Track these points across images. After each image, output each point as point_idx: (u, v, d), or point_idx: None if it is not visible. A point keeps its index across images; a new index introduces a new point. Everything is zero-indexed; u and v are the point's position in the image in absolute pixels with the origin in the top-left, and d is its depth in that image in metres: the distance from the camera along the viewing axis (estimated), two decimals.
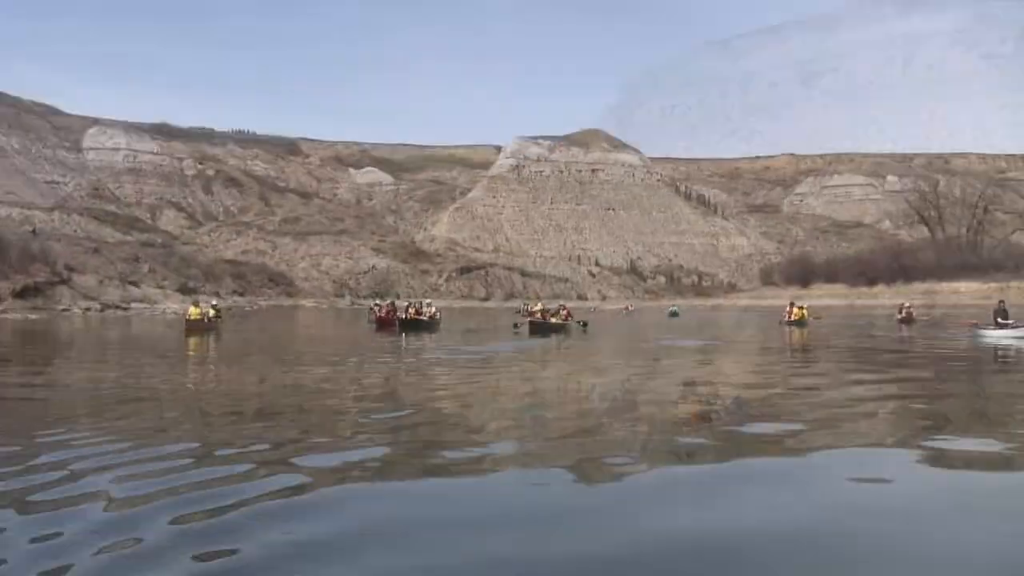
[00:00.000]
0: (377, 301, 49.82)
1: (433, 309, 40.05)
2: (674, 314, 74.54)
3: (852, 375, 15.24)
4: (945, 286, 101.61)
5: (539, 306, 38.48)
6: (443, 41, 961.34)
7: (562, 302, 49.28)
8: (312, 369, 15.93)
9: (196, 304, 36.62)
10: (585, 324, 39.20)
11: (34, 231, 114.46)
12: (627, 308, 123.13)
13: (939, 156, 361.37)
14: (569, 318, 37.15)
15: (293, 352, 22.30)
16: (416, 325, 34.69)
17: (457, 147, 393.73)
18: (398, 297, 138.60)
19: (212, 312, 35.89)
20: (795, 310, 42.74)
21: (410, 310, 37.41)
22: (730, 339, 31.64)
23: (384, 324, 36.74)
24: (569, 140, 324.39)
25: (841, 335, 32.30)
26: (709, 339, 31.15)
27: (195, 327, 32.10)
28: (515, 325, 35.08)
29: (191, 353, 21.83)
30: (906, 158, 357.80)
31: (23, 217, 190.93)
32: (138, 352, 23.79)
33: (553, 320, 35.45)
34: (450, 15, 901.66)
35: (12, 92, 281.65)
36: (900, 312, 47.26)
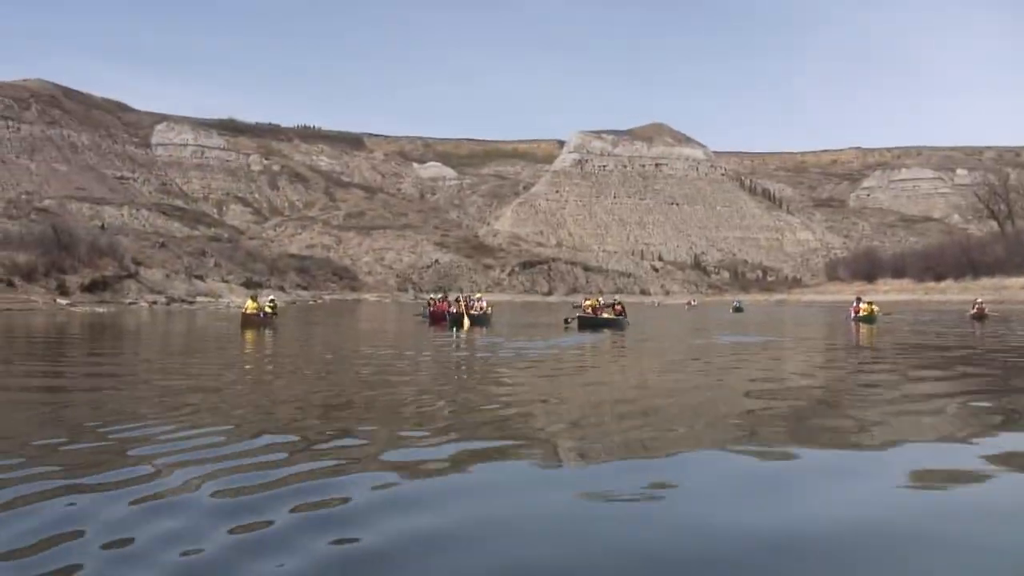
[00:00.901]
0: (431, 295, 48.61)
1: (484, 303, 39.10)
2: (738, 309, 73.08)
3: (925, 372, 14.67)
4: (1014, 281, 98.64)
5: (590, 300, 36.96)
6: (507, 36, 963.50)
7: (616, 296, 47.84)
8: (365, 364, 15.60)
9: (254, 298, 36.17)
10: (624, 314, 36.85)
11: (103, 226, 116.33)
12: (689, 303, 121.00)
13: (1010, 149, 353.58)
14: (623, 313, 35.80)
15: (347, 347, 22.06)
16: (465, 319, 33.52)
17: (520, 142, 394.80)
18: (461, 291, 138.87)
19: (268, 307, 35.65)
20: (863, 306, 41.10)
21: (460, 304, 36.26)
22: (796, 336, 30.19)
23: (436, 318, 36.02)
24: (632, 134, 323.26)
25: (913, 332, 30.77)
26: (773, 335, 29.96)
27: (251, 321, 32.00)
28: (566, 320, 33.98)
29: (248, 347, 21.69)
30: (976, 151, 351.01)
31: (93, 212, 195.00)
32: (200, 345, 23.80)
33: (604, 315, 34.23)
34: (514, 13, 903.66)
35: (82, 89, 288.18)
36: (973, 308, 46.04)
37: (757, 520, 5.09)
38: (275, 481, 5.85)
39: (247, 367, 16.01)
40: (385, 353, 18.76)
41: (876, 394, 11.38)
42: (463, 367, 15.46)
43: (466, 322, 32.64)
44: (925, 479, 6.15)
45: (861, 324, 37.46)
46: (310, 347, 22.41)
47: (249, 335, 26.93)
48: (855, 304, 42.18)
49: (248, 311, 33.21)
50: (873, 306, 41.90)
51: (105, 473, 6.05)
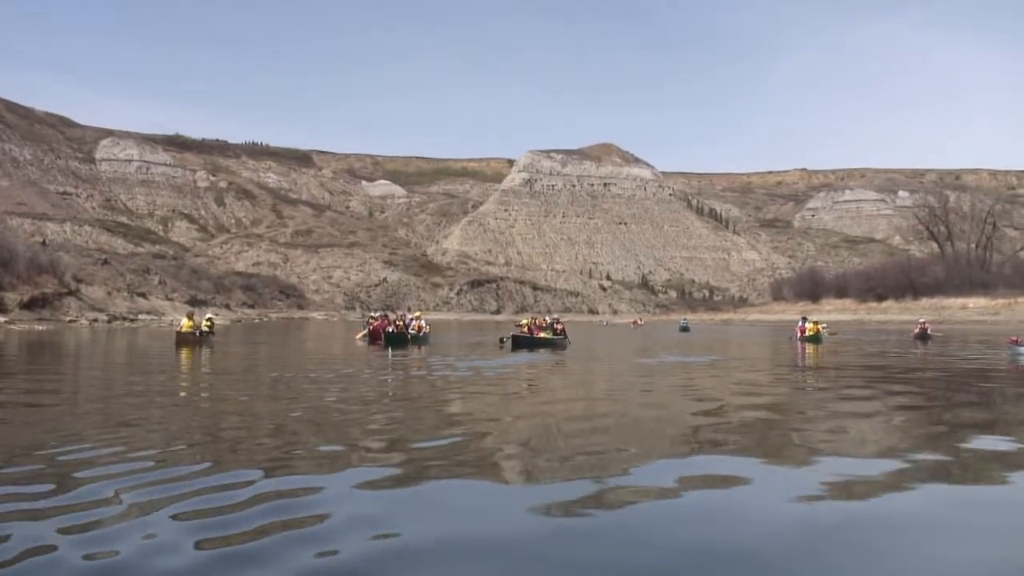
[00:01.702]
0: (372, 314, 47.53)
1: (422, 322, 38.59)
2: (684, 329, 73.31)
3: (869, 390, 14.58)
4: (953, 302, 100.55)
5: (525, 320, 36.40)
6: (457, 55, 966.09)
7: (556, 315, 47.36)
8: (301, 383, 15.32)
9: (190, 316, 35.64)
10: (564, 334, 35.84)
11: (44, 242, 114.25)
12: (636, 322, 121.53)
13: (950, 172, 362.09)
14: (563, 333, 34.75)
15: (284, 366, 21.68)
16: (402, 339, 32.90)
17: (470, 160, 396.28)
18: (410, 310, 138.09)
19: (205, 325, 35.06)
20: (809, 325, 41.01)
21: (397, 323, 35.75)
22: (742, 355, 29.80)
23: (375, 337, 35.16)
24: (582, 154, 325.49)
25: (858, 352, 30.78)
26: (720, 355, 29.78)
27: (186, 339, 31.36)
28: (501, 340, 32.99)
29: (184, 366, 21.26)
30: (917, 173, 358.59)
31: (35, 228, 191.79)
32: (137, 363, 23.28)
33: (542, 334, 33.17)
34: (464, 30, 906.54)
35: (25, 103, 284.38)
36: (916, 328, 46.59)
37: (700, 533, 5.24)
38: (236, 503, 5.74)
39: (183, 386, 15.70)
40: (320, 372, 18.43)
41: (820, 411, 11.48)
42: (395, 388, 15.14)
43: (403, 341, 32.12)
44: (850, 490, 6.31)
45: (807, 344, 37.30)
46: (246, 366, 21.93)
47: (185, 353, 26.28)
48: (801, 324, 42.04)
49: (183, 329, 32.73)
50: (819, 325, 41.89)
51: (57, 496, 5.90)
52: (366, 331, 37.45)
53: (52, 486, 6.21)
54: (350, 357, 25.95)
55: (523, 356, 25.63)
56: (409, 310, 55.09)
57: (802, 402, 13.05)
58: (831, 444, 8.49)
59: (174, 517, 5.38)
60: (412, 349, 29.88)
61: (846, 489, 6.32)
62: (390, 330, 33.91)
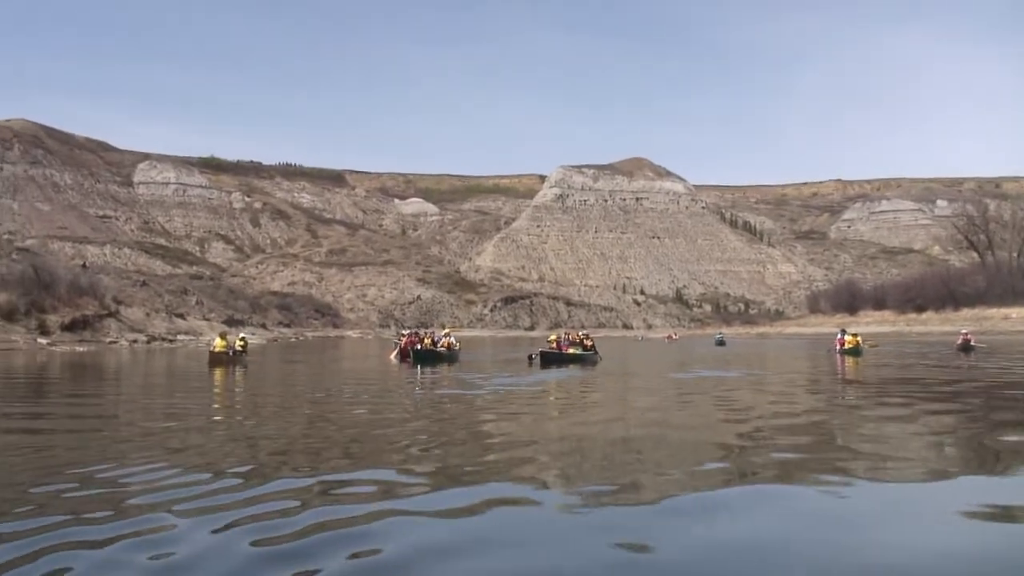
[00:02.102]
0: (403, 332, 46.92)
1: (451, 339, 38.29)
2: (720, 343, 72.03)
3: (915, 407, 14.03)
4: (995, 312, 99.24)
5: (553, 336, 35.55)
6: (487, 72, 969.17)
7: (586, 331, 46.71)
8: (327, 403, 15.57)
9: (223, 336, 35.56)
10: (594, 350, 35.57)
11: (85, 265, 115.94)
12: (670, 336, 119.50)
13: (989, 180, 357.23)
14: (591, 347, 34.44)
15: (311, 385, 21.87)
16: (431, 357, 32.27)
17: (501, 177, 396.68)
18: (443, 327, 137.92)
19: (239, 344, 34.79)
20: (848, 338, 40.13)
21: (425, 340, 35.13)
22: (780, 370, 28.53)
23: (404, 355, 34.70)
24: (613, 168, 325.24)
25: (900, 364, 30.01)
26: (757, 369, 28.89)
27: (219, 359, 31.30)
28: (530, 356, 32.15)
29: (218, 386, 21.54)
30: (956, 182, 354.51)
31: (75, 251, 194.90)
32: (174, 384, 23.54)
33: (572, 350, 32.67)
34: (493, 48, 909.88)
35: (65, 128, 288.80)
36: (959, 339, 45.69)
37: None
38: (290, 523, 5.81)
39: (221, 407, 15.98)
40: (355, 391, 18.57)
41: (863, 430, 11.24)
42: (421, 407, 14.98)
43: (431, 359, 31.87)
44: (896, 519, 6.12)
45: (846, 356, 36.47)
46: (281, 385, 22.13)
47: (219, 373, 26.41)
48: (840, 336, 41.35)
49: (216, 349, 32.65)
50: (858, 338, 41.16)
51: (113, 524, 5.91)
52: (397, 349, 37.25)
53: (109, 509, 6.29)
54: (382, 376, 25.86)
55: (553, 373, 25.20)
56: (442, 326, 54.96)
57: (843, 421, 12.63)
58: (874, 471, 8.10)
59: (236, 531, 5.53)
60: (442, 367, 29.53)
61: (886, 518, 6.09)
62: (418, 347, 33.50)
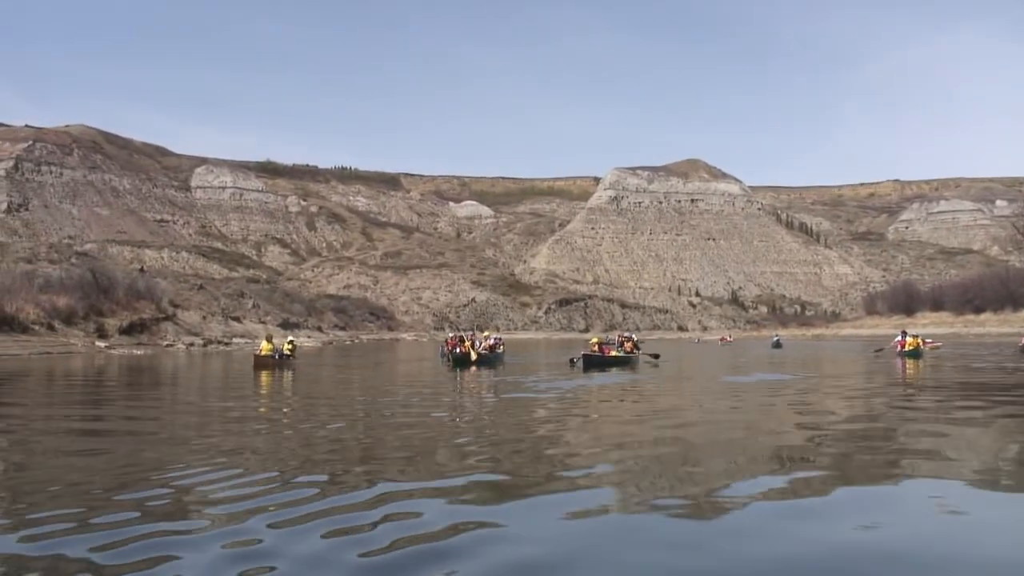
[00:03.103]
0: (450, 334, 45.96)
1: (491, 341, 36.97)
2: (777, 344, 71.53)
3: (989, 412, 13.51)
4: None
5: (595, 339, 34.72)
6: (540, 75, 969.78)
7: (627, 333, 45.73)
8: (376, 408, 15.23)
9: (269, 339, 35.22)
10: (656, 356, 35.36)
11: (142, 269, 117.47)
12: (724, 339, 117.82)
13: None
14: (634, 350, 34.08)
15: (358, 388, 21.63)
16: (468, 360, 31.54)
17: (556, 179, 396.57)
18: (498, 328, 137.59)
19: (287, 348, 34.43)
20: (909, 339, 38.69)
21: (465, 344, 33.91)
22: (838, 373, 27.71)
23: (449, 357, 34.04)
24: (668, 170, 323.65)
25: (964, 367, 29.16)
26: (815, 373, 28.08)
27: (264, 363, 31.08)
28: (571, 360, 31.99)
29: (265, 390, 21.35)
30: (1016, 181, 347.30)
31: (134, 255, 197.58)
32: (229, 387, 23.37)
33: (613, 354, 32.20)
34: (546, 50, 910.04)
35: (123, 134, 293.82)
36: (1022, 340, 44.69)
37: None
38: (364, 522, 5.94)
39: (273, 411, 15.79)
40: (405, 395, 18.27)
41: (932, 438, 10.69)
42: (458, 412, 14.70)
43: (473, 359, 31.57)
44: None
45: (907, 359, 35.60)
46: (327, 389, 21.77)
47: (264, 376, 26.19)
48: (900, 338, 40.28)
49: (262, 352, 32.53)
50: (919, 339, 39.67)
51: (206, 534, 5.86)
52: (442, 351, 36.75)
53: (198, 517, 6.28)
54: (429, 379, 25.66)
55: (598, 377, 24.58)
56: (480, 329, 54.06)
57: (907, 428, 12.02)
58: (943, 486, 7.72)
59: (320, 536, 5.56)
60: (483, 370, 29.24)
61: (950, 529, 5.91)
62: (457, 351, 32.97)
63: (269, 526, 5.87)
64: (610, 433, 11.67)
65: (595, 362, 29.80)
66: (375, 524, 5.89)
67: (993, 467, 8.33)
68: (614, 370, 28.38)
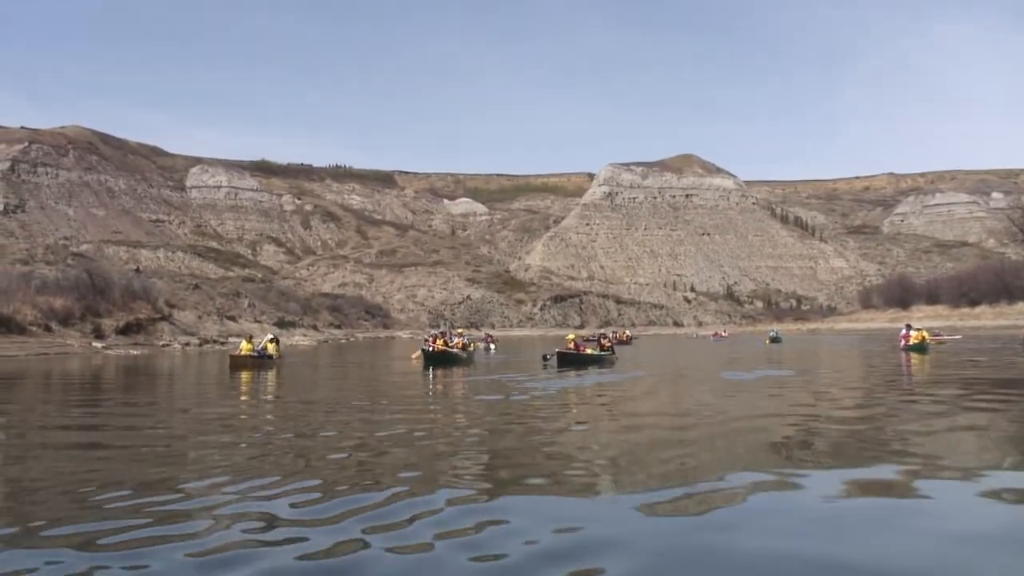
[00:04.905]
0: (432, 331, 44.58)
1: (464, 339, 36.57)
2: (775, 339, 67.97)
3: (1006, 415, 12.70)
4: None
5: (571, 336, 33.67)
6: (534, 70, 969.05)
7: (604, 330, 45.10)
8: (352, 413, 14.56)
9: (249, 339, 33.90)
10: (613, 350, 34.51)
11: (138, 269, 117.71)
12: (717, 334, 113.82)
13: None
14: (610, 348, 33.30)
15: (335, 389, 21.38)
16: (442, 358, 30.81)
17: (550, 175, 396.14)
18: (493, 327, 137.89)
19: (269, 346, 33.01)
20: (914, 333, 37.65)
21: (437, 341, 33.11)
22: (842, 368, 27.29)
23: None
24: (662, 165, 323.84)
25: (970, 362, 28.18)
26: (817, 367, 27.58)
27: (241, 363, 29.65)
28: (544, 357, 30.95)
29: (243, 387, 21.23)
30: (1012, 174, 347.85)
31: (129, 255, 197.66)
32: (225, 388, 23.28)
33: (588, 351, 31.35)
34: (539, 45, 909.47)
35: (118, 134, 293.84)
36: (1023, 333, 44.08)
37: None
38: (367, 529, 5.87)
39: (245, 411, 15.84)
40: (377, 401, 17.18)
41: (948, 437, 10.40)
42: (442, 413, 14.55)
43: (442, 360, 30.64)
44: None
45: (912, 354, 34.25)
46: (304, 393, 20.83)
47: (245, 377, 25.33)
48: (904, 331, 38.99)
49: (242, 352, 31.65)
50: (924, 333, 38.76)
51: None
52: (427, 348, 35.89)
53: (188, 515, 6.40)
54: (407, 381, 24.58)
55: (592, 377, 23.66)
56: (453, 327, 53.59)
57: (916, 428, 11.40)
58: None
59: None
60: (454, 369, 28.66)
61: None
62: (429, 349, 31.86)
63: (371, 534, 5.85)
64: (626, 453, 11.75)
65: (570, 360, 29.07)
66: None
67: (997, 472, 8.03)
68: (591, 368, 27.57)
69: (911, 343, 36.96)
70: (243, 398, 19.26)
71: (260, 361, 31.03)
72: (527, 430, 11.73)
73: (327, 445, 10.17)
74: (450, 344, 33.92)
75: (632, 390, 19.84)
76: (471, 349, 36.10)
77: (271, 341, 34.36)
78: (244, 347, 32.58)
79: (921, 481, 7.39)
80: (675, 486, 7.16)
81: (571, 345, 31.12)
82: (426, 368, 28.82)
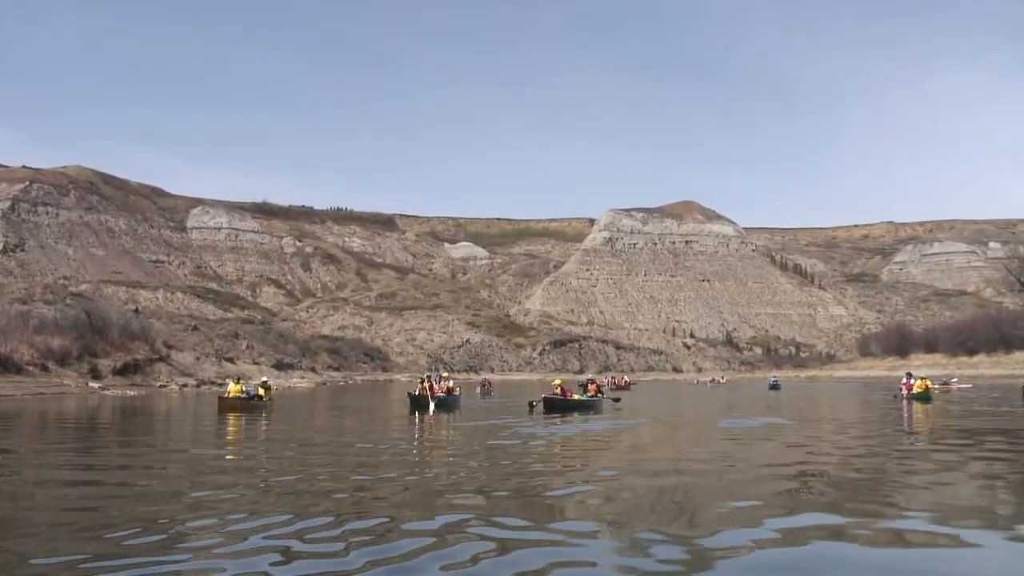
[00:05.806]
0: (427, 374, 44.18)
1: (450, 383, 35.91)
2: (775, 386, 67.61)
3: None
4: None
5: (557, 380, 33.42)
6: (535, 115, 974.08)
7: (591, 376, 44.80)
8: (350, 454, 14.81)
9: (237, 381, 33.66)
10: (618, 400, 34.64)
11: (137, 310, 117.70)
12: (714, 380, 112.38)
13: None
14: (598, 393, 32.82)
15: (330, 433, 21.11)
16: (426, 403, 29.68)
17: (551, 220, 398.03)
18: (436, 370, 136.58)
19: (260, 390, 32.66)
20: (917, 382, 36.18)
21: (423, 385, 32.43)
22: (841, 418, 26.15)
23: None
24: (663, 212, 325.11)
25: (976, 412, 27.60)
26: (818, 418, 26.68)
27: (232, 405, 29.53)
28: (531, 404, 30.28)
29: (231, 431, 20.96)
30: (1009, 224, 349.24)
31: (128, 296, 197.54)
32: (222, 429, 22.94)
33: (576, 397, 30.69)
34: (540, 90, 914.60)
35: (119, 174, 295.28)
36: None
37: None
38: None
39: (243, 455, 15.74)
40: (372, 444, 16.94)
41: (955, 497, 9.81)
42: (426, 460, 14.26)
43: (430, 407, 29.23)
44: None
45: (914, 403, 33.26)
46: (290, 437, 19.78)
47: (232, 420, 25.10)
48: (905, 380, 37.71)
49: (230, 394, 31.29)
50: (928, 382, 37.09)
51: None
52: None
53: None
54: (393, 427, 23.92)
55: (584, 423, 23.13)
56: (436, 370, 53.14)
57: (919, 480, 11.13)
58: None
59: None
60: (441, 414, 28.00)
61: None
62: (415, 393, 31.52)
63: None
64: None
65: (557, 405, 28.56)
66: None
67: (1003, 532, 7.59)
68: (576, 415, 26.61)
69: (913, 392, 35.81)
70: (221, 441, 19.10)
71: (250, 403, 30.77)
72: (515, 473, 11.55)
73: (314, 489, 10.04)
74: (437, 388, 33.19)
75: (615, 440, 18.75)
76: (456, 393, 35.60)
77: (263, 384, 34.15)
78: (233, 389, 32.31)
79: (936, 527, 7.38)
80: (673, 542, 7.02)
81: (557, 390, 30.59)
82: (411, 412, 28.50)
